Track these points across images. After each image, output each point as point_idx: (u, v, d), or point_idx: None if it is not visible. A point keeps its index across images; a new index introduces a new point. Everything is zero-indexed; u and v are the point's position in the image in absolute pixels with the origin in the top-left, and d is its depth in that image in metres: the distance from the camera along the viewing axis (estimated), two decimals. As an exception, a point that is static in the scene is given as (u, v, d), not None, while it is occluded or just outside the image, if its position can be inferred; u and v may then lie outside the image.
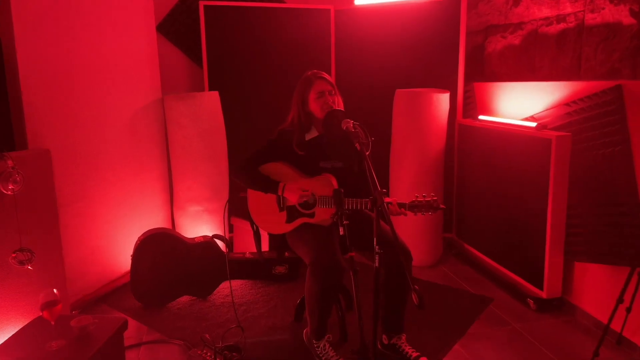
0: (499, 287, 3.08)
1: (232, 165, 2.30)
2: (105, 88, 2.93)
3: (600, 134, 2.41)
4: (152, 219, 3.34)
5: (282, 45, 3.68)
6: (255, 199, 2.33)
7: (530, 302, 2.78)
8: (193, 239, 2.99)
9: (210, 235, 3.06)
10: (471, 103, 3.63)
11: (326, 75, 2.26)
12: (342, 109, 2.22)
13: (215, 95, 3.34)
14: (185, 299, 2.95)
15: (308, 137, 2.29)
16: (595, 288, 2.58)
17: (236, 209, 3.61)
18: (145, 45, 3.26)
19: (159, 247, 2.83)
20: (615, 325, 2.36)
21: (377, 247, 1.96)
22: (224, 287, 3.08)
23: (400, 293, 2.21)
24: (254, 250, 3.36)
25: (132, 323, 2.59)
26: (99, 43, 2.87)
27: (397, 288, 2.20)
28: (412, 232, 3.23)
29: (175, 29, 3.66)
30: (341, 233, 1.98)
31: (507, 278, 3.02)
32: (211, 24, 3.53)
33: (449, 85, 3.55)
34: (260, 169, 2.29)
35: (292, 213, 2.26)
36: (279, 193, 2.21)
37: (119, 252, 3.10)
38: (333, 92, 2.24)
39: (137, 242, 2.85)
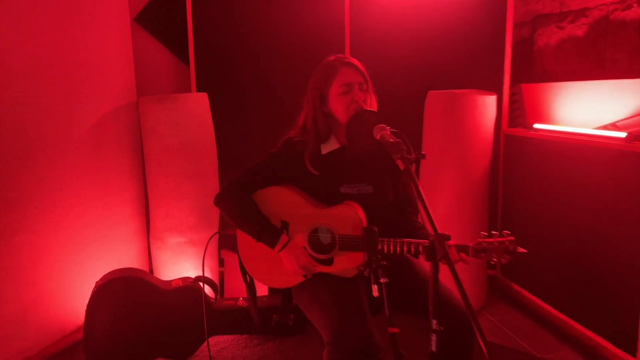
0: (565, 343, 2.37)
1: (220, 188, 1.60)
2: (61, 87, 2.27)
3: None
4: (122, 254, 2.66)
5: (286, 40, 3.02)
6: (249, 239, 1.65)
7: (618, 372, 2.07)
8: (170, 282, 2.30)
9: (193, 277, 2.38)
10: (518, 109, 2.96)
11: (356, 62, 1.59)
12: (375, 110, 1.54)
13: (203, 97, 2.67)
14: (158, 362, 2.25)
15: (325, 149, 1.61)
16: None
17: (228, 240, 2.92)
18: (117, 36, 2.61)
19: (121, 295, 2.14)
20: None
21: (434, 321, 1.28)
22: (209, 346, 2.38)
23: None
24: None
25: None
26: (55, 32, 2.21)
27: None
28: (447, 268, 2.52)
29: (157, 19, 3.02)
30: (375, 295, 1.31)
31: (577, 333, 2.31)
32: (200, 13, 2.88)
33: (489, 88, 2.88)
34: (256, 196, 1.60)
35: (300, 261, 1.58)
36: (276, 249, 1.54)
37: (73, 300, 2.41)
38: (365, 85, 1.57)
39: (94, 288, 2.17)
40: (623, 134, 2.05)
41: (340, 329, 1.36)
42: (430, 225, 1.22)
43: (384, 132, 1.43)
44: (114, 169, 2.60)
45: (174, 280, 2.32)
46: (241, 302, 2.42)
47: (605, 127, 2.28)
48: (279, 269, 1.61)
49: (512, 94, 2.93)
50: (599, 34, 2.53)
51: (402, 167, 1.32)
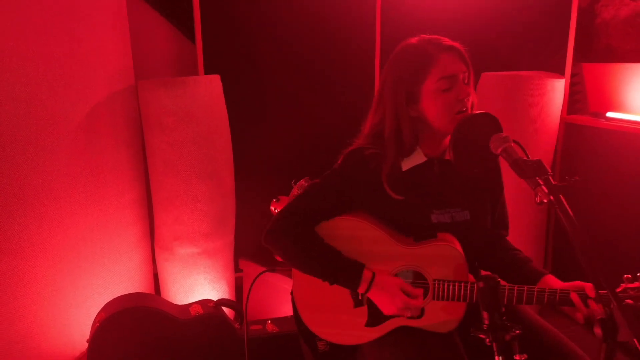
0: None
1: (272, 225, 1.18)
2: (42, 71, 1.80)
3: None
4: (122, 268, 2.25)
5: (309, 9, 2.58)
6: (306, 282, 1.26)
7: None
8: (187, 308, 1.91)
9: (212, 299, 2.00)
10: (579, 92, 2.58)
11: (457, 45, 1.18)
12: (486, 112, 1.14)
13: (216, 80, 2.22)
14: (175, 403, 1.89)
15: (407, 164, 1.21)
16: None
17: (246, 247, 2.53)
18: (109, 4, 2.12)
19: (131, 329, 1.76)
20: None
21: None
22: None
23: None
24: (276, 313, 2.31)
25: None
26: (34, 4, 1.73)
27: None
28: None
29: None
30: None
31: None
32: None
33: (546, 67, 2.50)
34: (319, 230, 1.20)
35: (377, 310, 1.20)
36: (360, 291, 1.16)
37: (68, 329, 2.02)
38: (468, 77, 1.17)
39: (95, 322, 1.78)
40: None
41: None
42: (593, 276, 0.87)
43: (506, 144, 1.04)
44: (111, 168, 2.16)
45: (191, 305, 1.94)
46: (269, 327, 2.06)
47: None
48: (346, 321, 1.24)
49: (572, 75, 2.54)
50: (686, 6, 2.14)
51: (545, 198, 0.95)
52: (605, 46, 2.55)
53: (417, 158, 1.22)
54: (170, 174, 2.16)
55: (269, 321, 2.09)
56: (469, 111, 1.17)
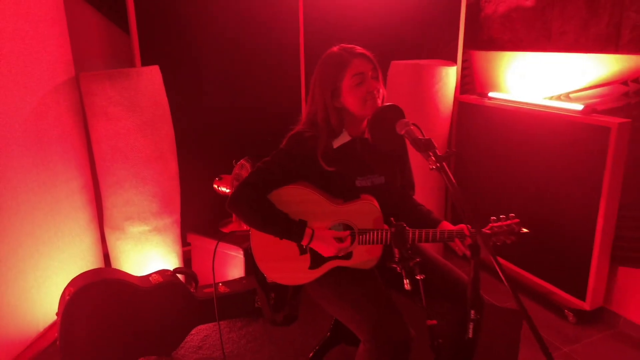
0: (522, 293, 2.66)
1: (233, 195, 1.49)
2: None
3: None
4: (76, 248, 2.41)
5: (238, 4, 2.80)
6: (261, 238, 1.58)
7: (569, 315, 2.39)
8: (147, 278, 2.15)
9: (169, 269, 2.25)
10: (468, 76, 3.09)
11: (365, 50, 1.53)
12: (393, 103, 1.51)
13: (155, 70, 2.41)
14: (142, 361, 2.15)
15: (337, 143, 1.57)
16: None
17: (192, 221, 2.78)
18: (51, 5, 2.21)
19: (99, 300, 1.97)
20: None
21: (472, 312, 1.37)
22: (192, 336, 2.32)
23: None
24: (224, 277, 2.62)
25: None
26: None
27: (466, 354, 1.61)
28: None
29: (85, -23, 2.60)
30: (407, 288, 1.36)
31: (533, 285, 2.60)
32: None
33: (442, 55, 2.96)
34: (271, 197, 1.53)
35: (318, 255, 1.56)
36: (304, 243, 1.50)
37: (33, 310, 2.18)
38: (376, 73, 1.53)
39: (65, 295, 1.96)
40: (579, 106, 2.25)
41: (380, 325, 1.39)
42: (469, 220, 1.28)
43: (408, 127, 1.42)
44: (59, 157, 2.29)
45: (151, 275, 2.18)
46: (222, 288, 2.36)
47: (558, 98, 2.47)
48: (294, 266, 1.58)
49: (462, 61, 3.03)
50: (547, 5, 2.67)
51: (433, 165, 1.34)
52: (488, 37, 3.07)
53: (344, 138, 1.58)
54: (118, 160, 2.34)
55: (220, 284, 2.39)
56: (378, 100, 1.53)
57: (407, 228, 1.39)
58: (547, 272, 2.53)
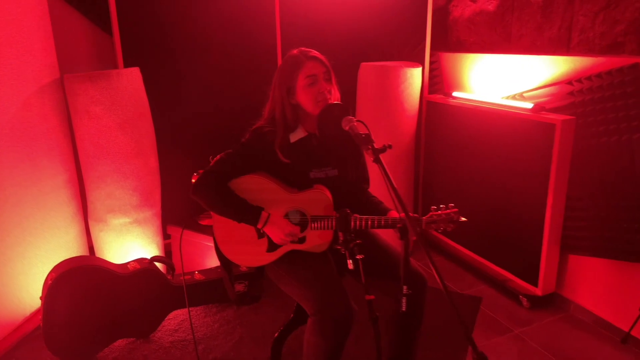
0: (482, 281, 2.83)
1: (197, 182, 1.66)
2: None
3: (614, 118, 2.13)
4: (61, 239, 2.57)
5: (218, 7, 2.95)
6: (223, 223, 1.74)
7: (524, 300, 2.55)
8: (125, 265, 2.31)
9: (147, 257, 2.41)
10: (437, 76, 3.25)
11: (319, 54, 1.69)
12: (340, 102, 1.67)
13: (135, 72, 2.56)
14: (121, 343, 2.30)
15: (293, 138, 1.73)
16: (592, 281, 2.40)
17: (172, 214, 2.94)
18: (36, 10, 2.37)
19: (80, 285, 2.13)
20: (622, 324, 2.24)
21: (405, 287, 1.52)
22: (169, 320, 2.47)
23: (413, 331, 1.79)
24: (201, 266, 2.77)
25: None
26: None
27: (410, 326, 1.78)
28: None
29: (70, -17, 2.76)
30: (350, 268, 1.51)
31: (493, 272, 2.77)
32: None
33: (411, 57, 3.12)
34: (231, 185, 1.69)
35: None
36: (259, 226, 1.66)
37: (19, 294, 2.33)
38: (328, 76, 1.68)
39: (47, 280, 2.12)
40: (530, 105, 2.41)
41: (324, 300, 1.55)
42: (399, 206, 1.43)
43: (352, 124, 1.58)
44: (45, 153, 2.45)
45: (129, 263, 2.33)
46: (197, 276, 2.52)
47: (513, 98, 2.63)
48: (253, 249, 1.74)
49: (431, 62, 3.19)
50: (506, 10, 2.83)
51: (371, 157, 1.49)
52: (456, 39, 3.23)
53: (300, 133, 1.73)
54: (101, 156, 2.49)
55: (196, 272, 2.55)
56: (330, 100, 1.68)
57: (352, 215, 1.54)
58: (504, 260, 2.70)
